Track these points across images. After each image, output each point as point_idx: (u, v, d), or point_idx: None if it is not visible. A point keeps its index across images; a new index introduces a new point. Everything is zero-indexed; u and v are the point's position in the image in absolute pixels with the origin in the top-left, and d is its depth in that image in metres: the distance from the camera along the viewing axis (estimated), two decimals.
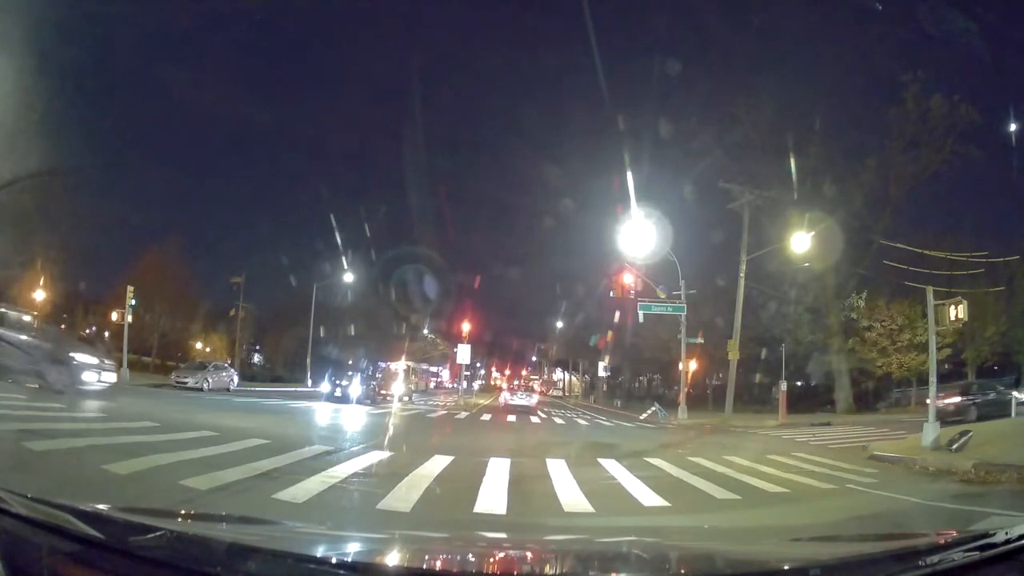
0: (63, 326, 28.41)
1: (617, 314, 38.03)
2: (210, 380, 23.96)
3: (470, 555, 2.19)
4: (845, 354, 31.97)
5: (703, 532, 5.43)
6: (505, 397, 33.27)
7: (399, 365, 28.24)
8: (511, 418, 22.25)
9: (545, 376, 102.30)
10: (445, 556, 2.09)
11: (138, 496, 5.04)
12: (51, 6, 20.76)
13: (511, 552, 2.35)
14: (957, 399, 19.14)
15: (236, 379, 27.08)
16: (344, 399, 22.72)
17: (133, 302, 25.03)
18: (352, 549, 2.03)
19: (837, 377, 32.11)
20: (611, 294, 26.09)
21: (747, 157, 29.91)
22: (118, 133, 45.58)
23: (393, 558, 1.89)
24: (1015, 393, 20.53)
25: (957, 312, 12.79)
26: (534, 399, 32.11)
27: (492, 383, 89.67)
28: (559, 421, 22.83)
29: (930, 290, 13.61)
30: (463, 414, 22.25)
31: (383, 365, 30.21)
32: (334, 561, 1.53)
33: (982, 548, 1.55)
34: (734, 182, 25.52)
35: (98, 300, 41.06)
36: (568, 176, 63.53)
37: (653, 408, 26.46)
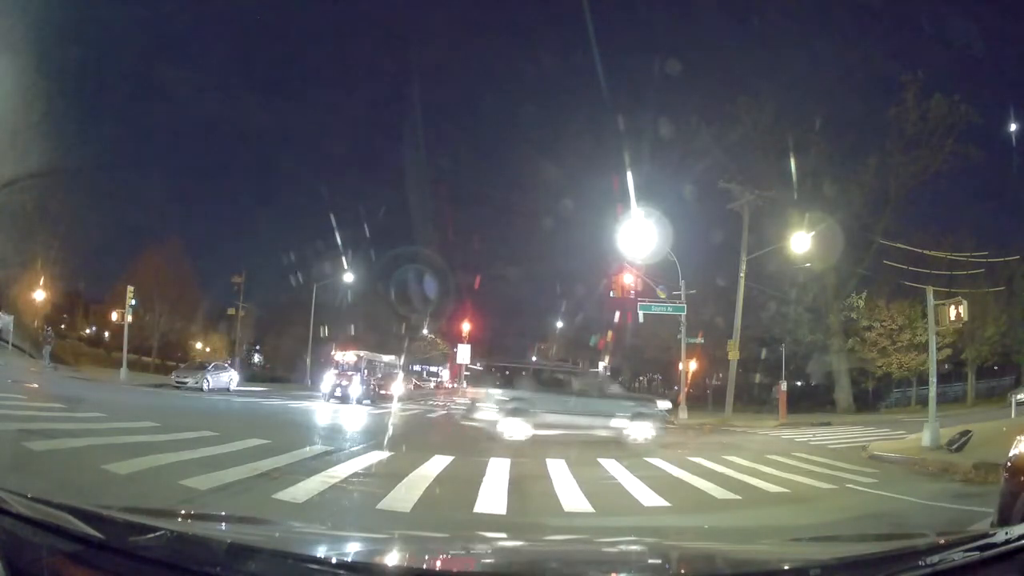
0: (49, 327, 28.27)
1: (617, 314, 37.90)
2: (210, 380, 23.98)
3: (470, 555, 2.19)
4: (845, 354, 31.96)
5: (703, 532, 5.44)
6: None
7: (348, 355, 26.50)
8: None
9: None
10: (445, 556, 2.08)
11: (138, 496, 5.04)
12: (51, 6, 20.76)
13: (511, 552, 2.35)
14: None
15: (236, 379, 27.08)
16: (344, 399, 22.72)
17: (133, 302, 25.02)
18: (352, 549, 2.02)
19: (837, 377, 32.11)
20: (611, 294, 26.01)
21: (747, 157, 29.92)
22: (118, 133, 45.68)
23: (393, 558, 1.89)
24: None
25: (957, 312, 12.78)
26: None
27: None
28: None
29: (930, 290, 13.61)
30: None
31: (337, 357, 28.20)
32: (334, 561, 1.53)
33: (982, 548, 1.54)
34: (734, 182, 25.51)
35: (98, 300, 41.13)
36: (568, 176, 63.50)
37: None
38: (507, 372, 13.73)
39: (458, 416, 13.81)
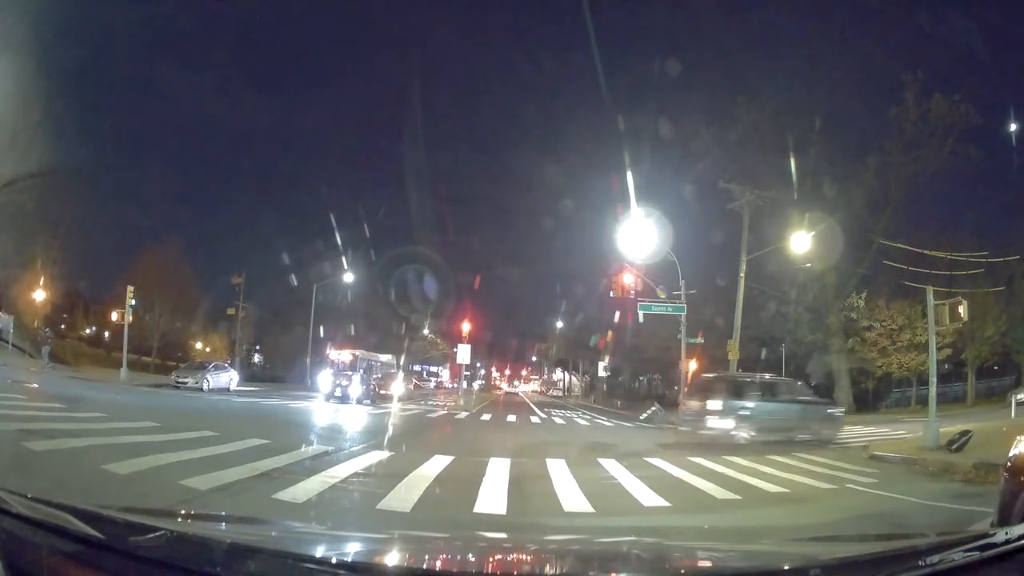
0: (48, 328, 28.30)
1: (617, 314, 37.93)
2: (210, 380, 23.99)
3: (470, 555, 2.19)
4: (845, 354, 31.95)
5: (703, 532, 5.43)
6: (504, 388, 51.34)
7: (344, 354, 26.37)
8: (511, 418, 22.25)
9: (545, 376, 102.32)
10: (445, 556, 2.09)
11: (138, 496, 5.04)
12: (51, 6, 20.77)
13: (511, 552, 2.35)
14: None
15: (236, 379, 27.09)
16: (344, 399, 22.73)
17: (133, 302, 25.02)
18: (352, 549, 2.02)
19: (837, 377, 32.10)
20: (611, 294, 25.99)
21: (747, 157, 29.90)
22: (118, 133, 45.73)
23: (393, 558, 1.89)
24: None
25: (957, 312, 12.79)
26: (518, 389, 55.42)
27: (493, 383, 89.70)
28: (559, 421, 22.83)
29: (930, 290, 13.61)
30: (463, 414, 22.25)
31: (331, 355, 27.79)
32: (334, 561, 1.53)
33: (982, 548, 1.54)
34: (734, 182, 25.47)
35: (98, 300, 41.16)
36: (568, 176, 63.72)
37: (653, 408, 26.43)
38: (726, 383, 14.81)
39: (688, 428, 14.70)
